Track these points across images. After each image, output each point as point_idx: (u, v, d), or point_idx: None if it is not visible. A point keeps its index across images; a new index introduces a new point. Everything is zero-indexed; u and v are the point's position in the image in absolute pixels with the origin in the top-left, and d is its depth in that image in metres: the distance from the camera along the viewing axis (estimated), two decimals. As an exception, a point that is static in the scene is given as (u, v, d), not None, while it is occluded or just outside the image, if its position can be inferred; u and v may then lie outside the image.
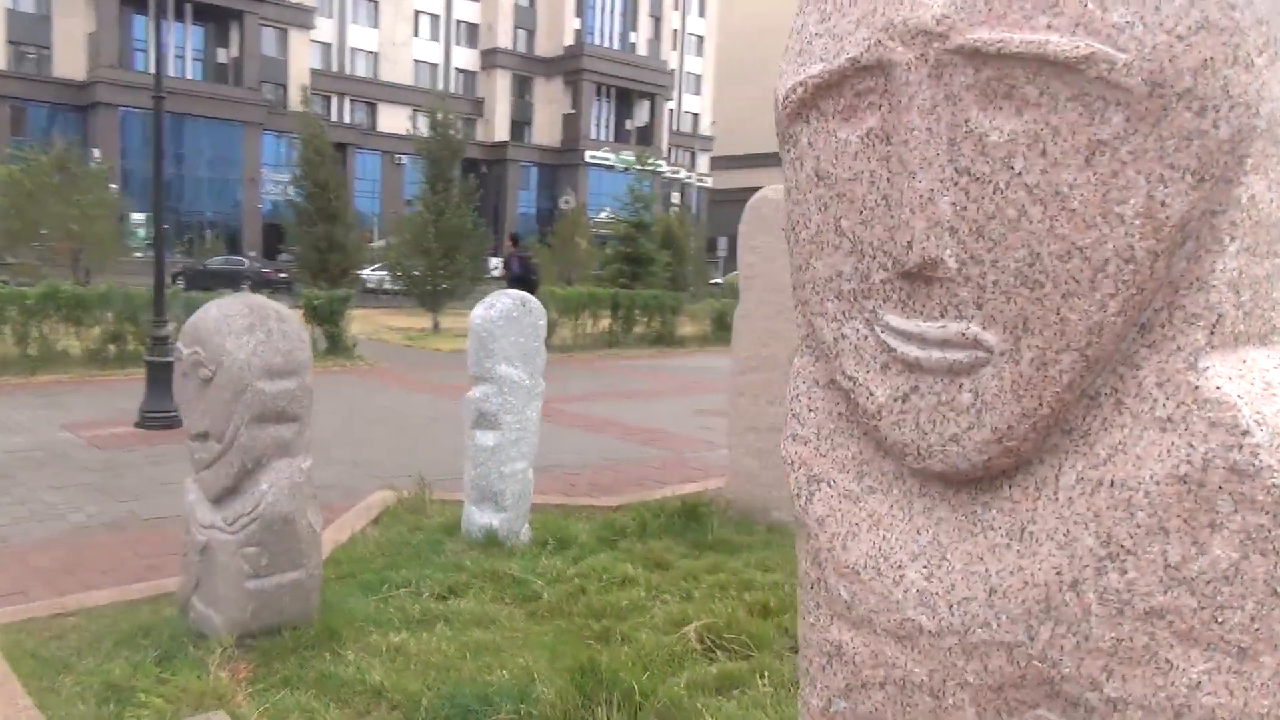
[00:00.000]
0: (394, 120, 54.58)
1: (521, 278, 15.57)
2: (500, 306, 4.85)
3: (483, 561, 4.53)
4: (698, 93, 70.52)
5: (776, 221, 5.24)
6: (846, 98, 1.24)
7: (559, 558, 4.69)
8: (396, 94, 55.46)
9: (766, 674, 3.39)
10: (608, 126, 62.34)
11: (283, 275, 30.04)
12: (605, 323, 16.91)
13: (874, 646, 1.30)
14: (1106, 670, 1.07)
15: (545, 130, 61.11)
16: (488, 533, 4.86)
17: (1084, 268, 1.05)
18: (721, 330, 18.54)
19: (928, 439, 1.21)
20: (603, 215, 43.88)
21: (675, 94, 67.06)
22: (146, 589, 4.20)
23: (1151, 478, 1.04)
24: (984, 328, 1.13)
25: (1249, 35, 0.98)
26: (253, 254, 40.41)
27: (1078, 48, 1.01)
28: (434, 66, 58.11)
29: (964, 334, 1.15)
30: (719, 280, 36.88)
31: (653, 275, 20.88)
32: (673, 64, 65.68)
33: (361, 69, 55.33)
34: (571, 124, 60.41)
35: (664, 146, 60.30)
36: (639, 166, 23.94)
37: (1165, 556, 1.04)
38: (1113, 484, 1.07)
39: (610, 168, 58.45)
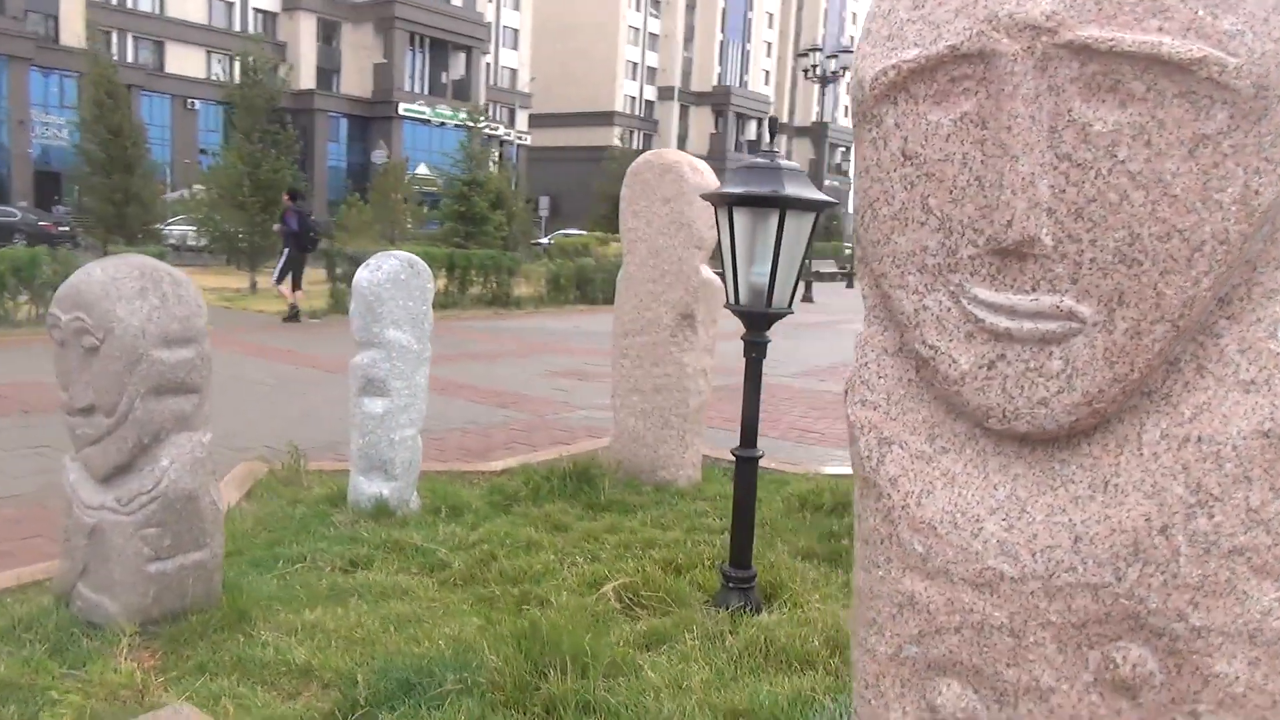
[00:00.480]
0: (185, 62, 50.46)
1: (297, 235, 14.60)
2: (387, 269, 4.68)
3: (379, 532, 4.41)
4: (515, 47, 69.19)
5: (659, 187, 5.32)
6: (940, 82, 1.30)
7: (456, 525, 4.63)
8: (187, 33, 51.19)
9: (694, 628, 3.50)
10: (422, 79, 60.17)
11: (63, 229, 27.36)
12: (440, 283, 16.51)
13: (950, 595, 1.40)
14: (1192, 603, 1.21)
15: (355, 80, 58.26)
16: (378, 503, 4.72)
17: (1182, 248, 1.17)
18: (557, 291, 18.55)
19: (1014, 403, 1.31)
20: (422, 171, 42.57)
21: (492, 48, 65.52)
22: (6, 579, 3.83)
23: (1238, 433, 1.18)
24: (1078, 301, 1.24)
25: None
26: (24, 204, 36.50)
27: (1191, 50, 1.12)
28: (230, 4, 54.05)
29: (1058, 306, 1.25)
30: (544, 240, 36.72)
31: (487, 235, 20.55)
32: (489, 16, 64.04)
33: (146, 3, 50.72)
34: (384, 74, 57.85)
35: (482, 101, 58.87)
36: (471, 124, 23.30)
37: (1248, 501, 1.19)
38: (1200, 439, 1.21)
39: (426, 121, 56.64)
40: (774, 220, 3.45)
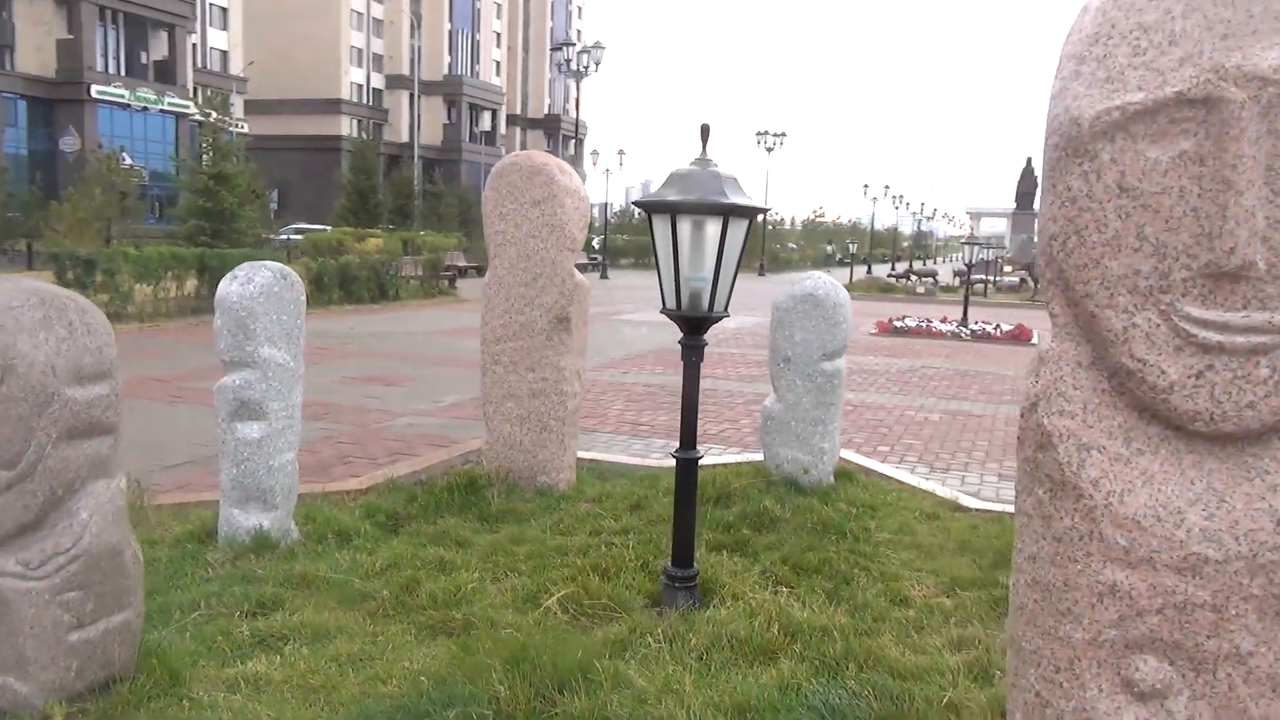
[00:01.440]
0: None
1: None
2: (260, 281, 4.29)
3: (276, 568, 4.06)
4: (224, 28, 64.10)
5: (528, 189, 5.25)
6: (1160, 123, 1.46)
7: (353, 551, 4.34)
8: None
9: (652, 631, 3.53)
10: (118, 58, 54.31)
11: None
12: (191, 285, 15.11)
13: (1152, 580, 1.57)
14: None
15: (33, 57, 51.51)
16: (257, 536, 4.33)
17: None
18: (319, 291, 17.54)
19: (1222, 407, 1.50)
20: (126, 162, 38.48)
21: (199, 27, 60.31)
22: None
23: None
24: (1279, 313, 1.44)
25: None
26: None
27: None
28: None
29: (1270, 321, 1.45)
30: (279, 236, 34.34)
31: (238, 233, 18.93)
32: (194, -8, 58.84)
33: None
34: (70, 52, 51.56)
35: (189, 85, 54.00)
36: (200, 115, 21.30)
37: None
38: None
39: (125, 106, 51.27)
40: (717, 227, 3.55)
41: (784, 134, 41.63)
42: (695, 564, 3.91)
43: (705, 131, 3.69)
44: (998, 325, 16.88)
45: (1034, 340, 15.91)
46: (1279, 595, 1.54)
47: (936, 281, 30.91)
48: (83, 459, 2.84)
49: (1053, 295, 1.65)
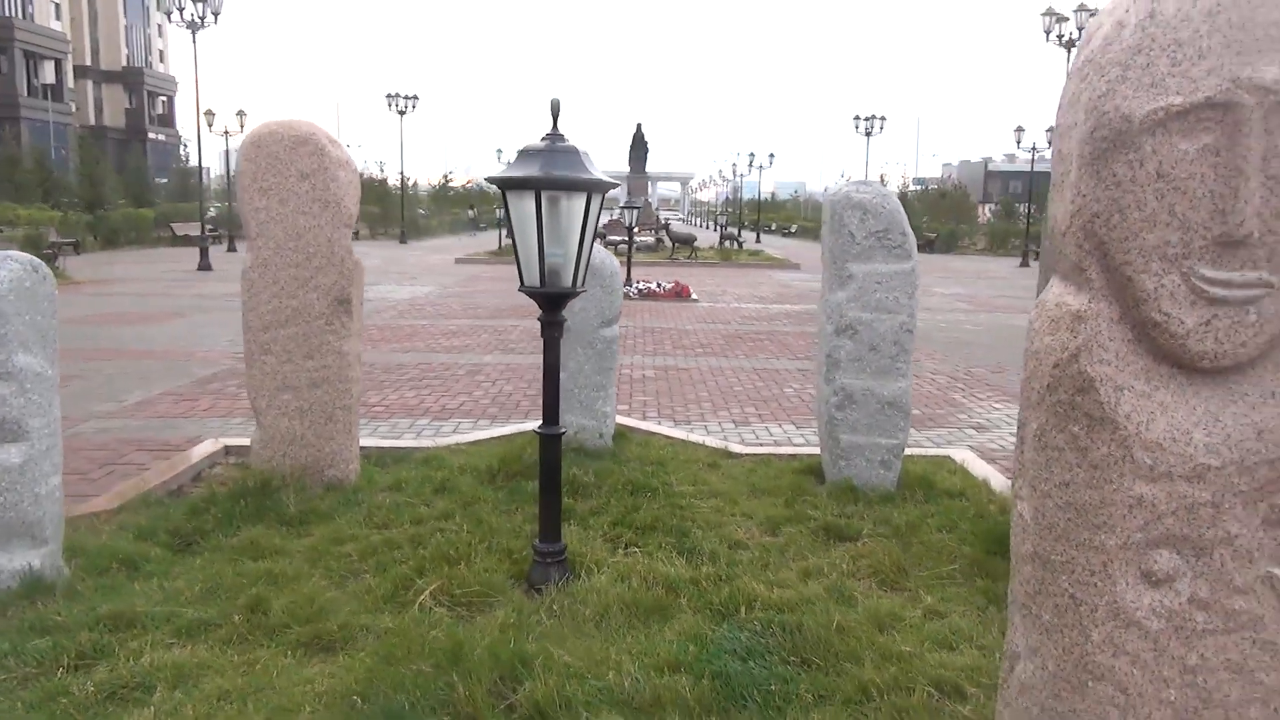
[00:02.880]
0: None
1: None
2: (8, 276, 3.56)
3: (75, 611, 3.45)
4: None
5: (293, 161, 4.85)
6: (1190, 121, 1.81)
7: (154, 579, 3.81)
8: None
9: (542, 609, 3.54)
10: None
11: None
12: None
13: (1169, 489, 1.96)
14: (1268, 492, 1.94)
15: None
16: (28, 579, 3.64)
17: None
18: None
19: (1223, 346, 1.90)
20: None
21: None
22: None
23: (1349, 351, 1.92)
24: (1270, 273, 1.86)
25: None
26: None
27: (1354, 114, 1.79)
28: None
29: (1260, 278, 1.87)
30: None
31: None
32: None
33: None
34: None
35: None
36: None
37: (1353, 390, 1.94)
38: (1330, 357, 1.93)
39: None
40: (580, 204, 3.56)
41: (416, 97, 40.59)
42: (563, 538, 3.94)
43: (556, 107, 3.66)
44: (659, 283, 18.07)
45: (693, 296, 17.28)
46: (1258, 489, 1.99)
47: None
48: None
49: (1090, 263, 1.96)
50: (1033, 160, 32.77)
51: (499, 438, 6.29)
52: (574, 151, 3.57)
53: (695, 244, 30.34)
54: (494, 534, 4.31)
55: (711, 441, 6.41)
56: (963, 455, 6.07)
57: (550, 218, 3.56)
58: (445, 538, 4.23)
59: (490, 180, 3.74)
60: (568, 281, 3.67)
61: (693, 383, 9.23)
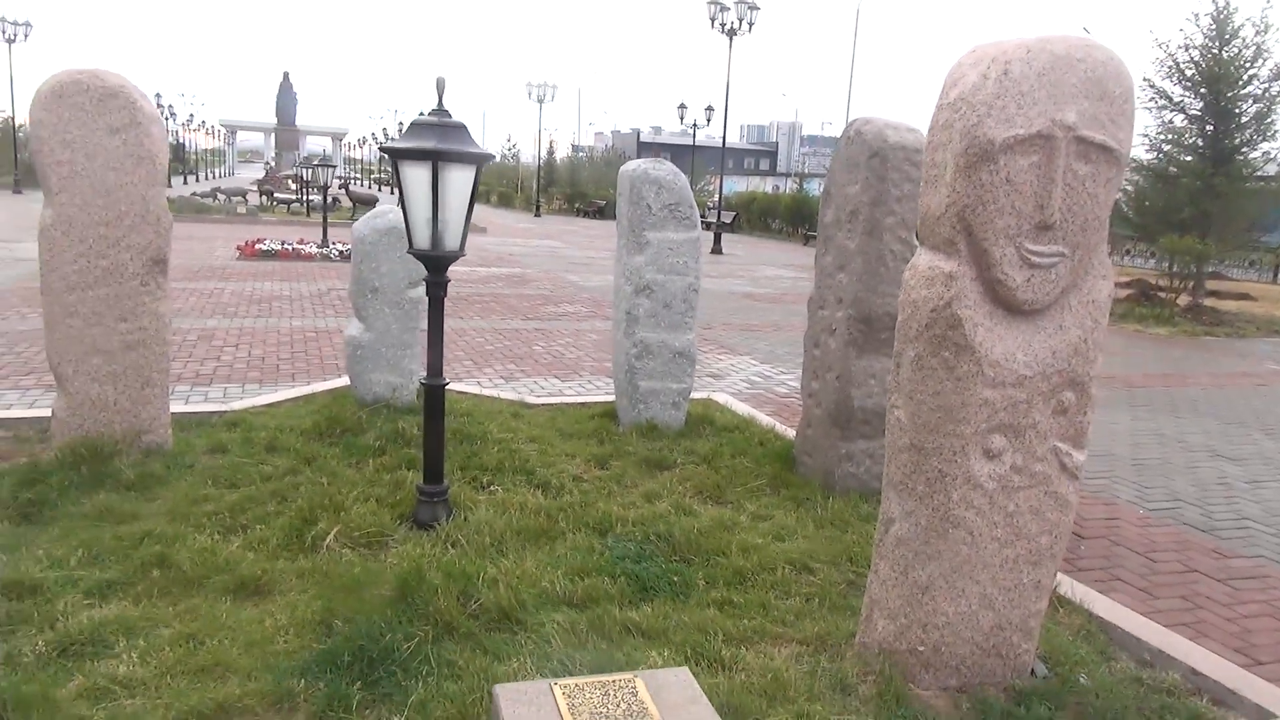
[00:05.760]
0: None
1: None
2: None
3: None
4: None
5: (100, 114, 4.69)
6: (1024, 144, 2.73)
7: (25, 550, 3.68)
8: None
9: (445, 542, 3.93)
10: None
11: None
12: None
13: (1002, 394, 2.91)
14: (1090, 369, 2.98)
15: None
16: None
17: (1100, 218, 2.88)
18: None
19: (1037, 296, 2.87)
20: None
21: None
22: None
23: (1104, 296, 2.98)
24: (1064, 247, 2.85)
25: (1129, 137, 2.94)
26: None
27: (1110, 142, 2.81)
28: None
29: (1060, 251, 2.85)
30: None
31: None
32: None
33: None
34: None
35: None
36: None
37: (1101, 329, 3.00)
38: (1092, 301, 2.97)
39: None
40: (468, 174, 3.95)
41: (29, 24, 35.21)
42: (445, 479, 4.32)
43: (441, 85, 3.99)
44: (360, 245, 17.71)
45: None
46: (1051, 390, 2.98)
47: (247, 199, 30.21)
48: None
49: (960, 239, 2.81)
50: (694, 136, 35.64)
51: (297, 398, 6.32)
52: (462, 127, 3.94)
53: (378, 204, 29.66)
54: (354, 485, 4.55)
55: (505, 394, 6.90)
56: (724, 398, 7.10)
57: (441, 187, 3.91)
58: (313, 489, 4.42)
59: (385, 150, 3.98)
60: (454, 244, 4.04)
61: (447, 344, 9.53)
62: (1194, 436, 7.53)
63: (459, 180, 3.94)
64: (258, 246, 16.86)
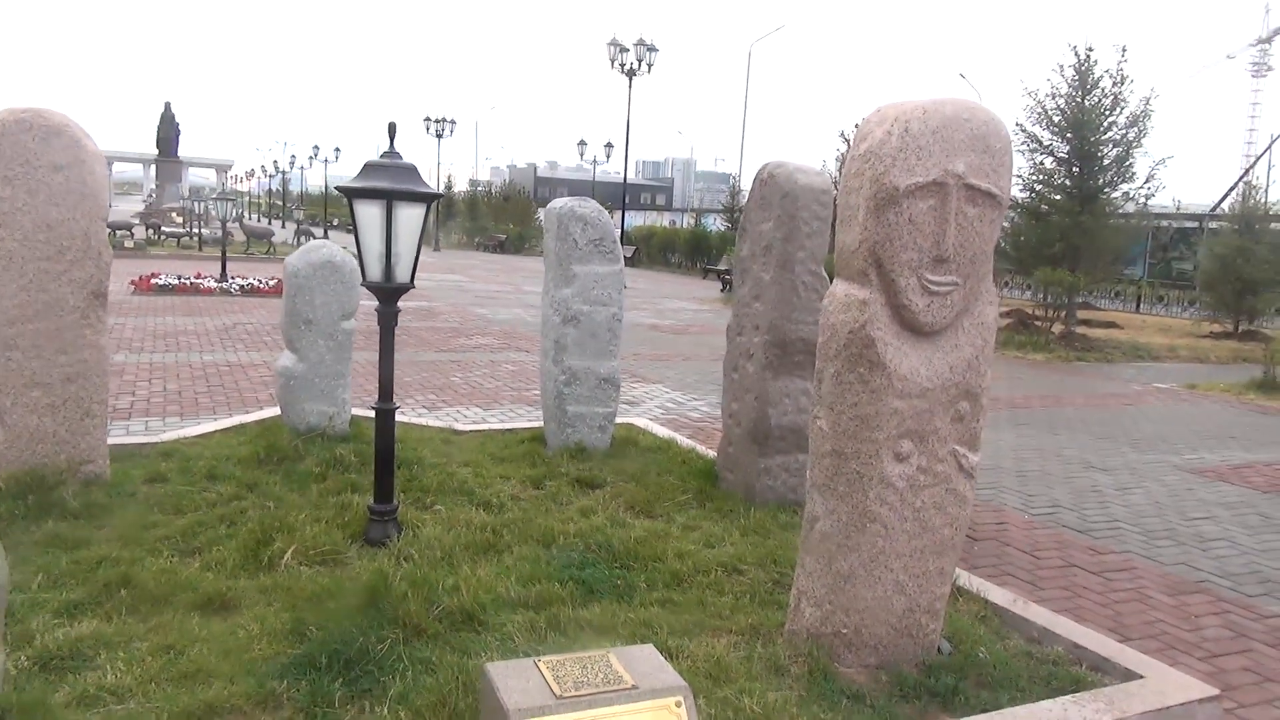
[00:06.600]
0: None
1: None
2: None
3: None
4: None
5: (45, 152, 4.81)
6: (923, 190, 3.21)
7: None
8: None
9: (399, 558, 4.16)
10: None
11: None
12: None
13: (909, 404, 3.36)
14: (980, 381, 3.47)
15: None
16: None
17: (986, 252, 3.37)
18: None
19: (936, 319, 3.34)
20: None
21: None
22: None
23: (991, 319, 3.47)
24: (958, 277, 3.33)
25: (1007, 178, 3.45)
26: None
27: (994, 189, 3.31)
28: None
29: (955, 281, 3.32)
30: None
31: None
32: None
33: None
34: None
35: None
36: None
37: (989, 347, 3.49)
38: (982, 324, 3.45)
39: None
40: (417, 212, 4.23)
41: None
42: (395, 499, 4.54)
43: (392, 130, 4.28)
44: (263, 279, 17.54)
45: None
46: (949, 400, 3.43)
47: (133, 233, 29.33)
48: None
49: (871, 271, 3.25)
50: (594, 171, 36.26)
51: (228, 429, 6.40)
52: (412, 169, 4.23)
53: (273, 239, 29.20)
54: (301, 508, 4.73)
55: (432, 422, 7.11)
56: (644, 422, 7.47)
57: (394, 224, 4.18)
58: (261, 514, 4.58)
59: (341, 189, 4.23)
60: (405, 277, 4.30)
61: (361, 375, 9.65)
62: (1070, 450, 8.25)
63: (410, 218, 4.22)
64: (153, 281, 16.50)
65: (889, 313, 3.30)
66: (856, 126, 3.08)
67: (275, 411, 6.62)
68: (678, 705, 2.42)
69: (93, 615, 3.50)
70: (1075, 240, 16.93)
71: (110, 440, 6.07)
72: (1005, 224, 20.94)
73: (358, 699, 3.01)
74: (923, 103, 3.19)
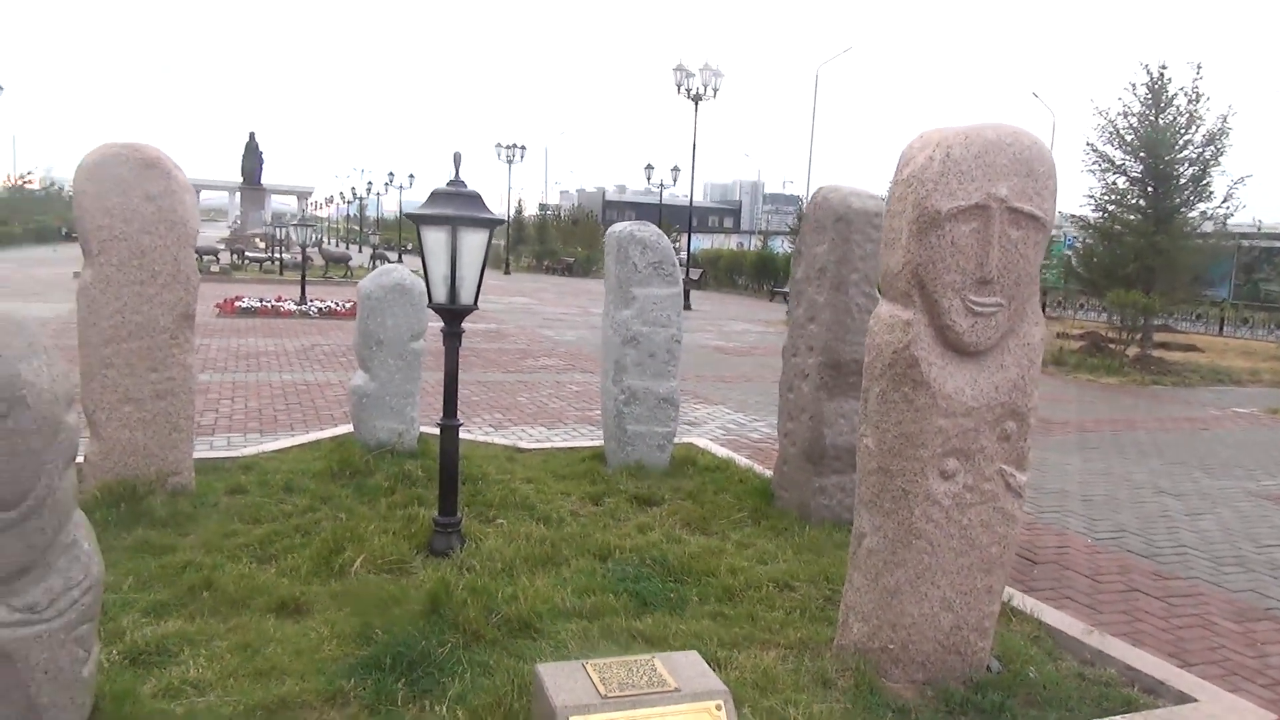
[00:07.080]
0: None
1: None
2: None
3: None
4: None
5: (141, 183, 5.13)
6: (965, 213, 3.28)
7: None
8: None
9: (461, 569, 4.34)
10: None
11: None
12: None
13: (954, 422, 3.41)
14: (1028, 401, 3.51)
15: None
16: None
17: (1030, 274, 3.42)
18: None
19: (980, 339, 3.40)
20: None
21: None
22: None
23: (1038, 340, 3.51)
24: (1003, 298, 3.39)
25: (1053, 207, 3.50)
26: None
27: (1037, 212, 3.37)
28: None
29: (999, 302, 3.38)
30: None
31: None
32: None
33: None
34: None
35: None
36: None
37: (1036, 368, 3.53)
38: (1028, 344, 3.50)
39: None
40: (481, 237, 4.44)
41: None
42: (459, 513, 4.73)
43: (458, 159, 4.50)
44: (340, 303, 18.13)
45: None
46: (995, 419, 3.48)
47: (219, 258, 30.50)
48: (70, 487, 2.69)
49: (914, 292, 3.33)
50: (660, 195, 36.59)
51: (304, 445, 6.70)
52: (476, 196, 4.44)
53: (350, 263, 30.10)
54: (370, 520, 4.95)
55: (498, 440, 7.32)
56: (704, 442, 7.58)
57: (458, 249, 4.39)
58: (333, 525, 4.81)
59: (409, 216, 4.46)
60: (469, 299, 4.51)
61: (430, 394, 9.95)
62: (1139, 475, 8.11)
63: (474, 243, 4.43)
64: (237, 304, 17.19)
65: (933, 333, 3.38)
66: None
67: (348, 428, 6.90)
68: (718, 709, 2.52)
69: (177, 615, 3.74)
70: (1150, 261, 16.55)
71: (195, 454, 6.41)
72: (1075, 244, 20.55)
73: (419, 698, 3.17)
74: (964, 128, 3.28)
